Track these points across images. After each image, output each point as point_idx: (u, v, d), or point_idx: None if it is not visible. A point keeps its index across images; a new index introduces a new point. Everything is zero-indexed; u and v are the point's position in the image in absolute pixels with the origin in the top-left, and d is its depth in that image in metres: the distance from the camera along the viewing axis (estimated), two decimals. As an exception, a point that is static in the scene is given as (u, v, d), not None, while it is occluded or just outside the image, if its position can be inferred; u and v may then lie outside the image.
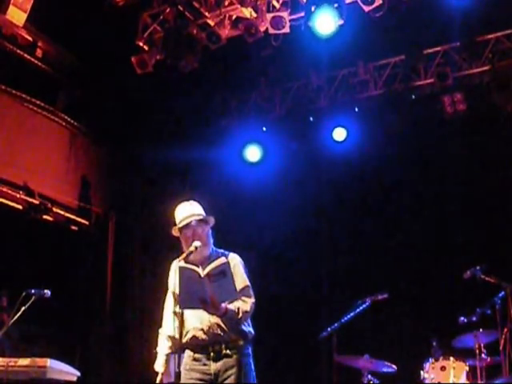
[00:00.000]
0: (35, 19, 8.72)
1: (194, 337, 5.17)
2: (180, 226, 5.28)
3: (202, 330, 5.14)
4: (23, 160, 9.87)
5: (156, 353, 5.39)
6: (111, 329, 10.86)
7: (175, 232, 5.33)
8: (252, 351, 5.26)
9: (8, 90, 9.64)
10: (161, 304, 5.44)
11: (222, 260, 4.97)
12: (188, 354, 5.23)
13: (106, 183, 11.50)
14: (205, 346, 5.15)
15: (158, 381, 5.24)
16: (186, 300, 4.94)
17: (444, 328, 8.32)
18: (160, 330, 5.38)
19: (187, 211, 5.32)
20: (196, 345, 5.18)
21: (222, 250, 5.42)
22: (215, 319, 5.10)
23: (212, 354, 5.12)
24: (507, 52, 9.67)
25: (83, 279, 10.79)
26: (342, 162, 10.67)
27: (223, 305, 4.96)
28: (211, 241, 5.36)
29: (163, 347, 5.32)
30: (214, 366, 5.10)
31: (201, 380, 5.11)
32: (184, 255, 5.03)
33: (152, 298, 10.91)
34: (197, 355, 5.17)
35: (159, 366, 5.28)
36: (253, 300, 5.21)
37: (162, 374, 5.24)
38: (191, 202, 5.42)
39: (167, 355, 5.25)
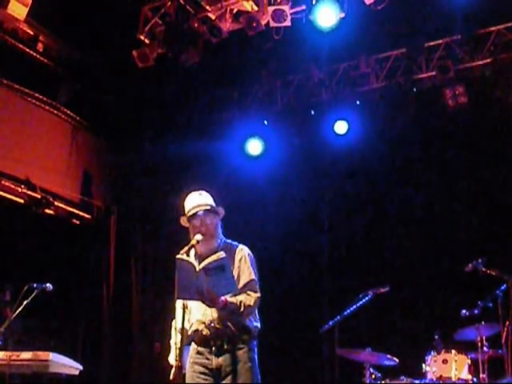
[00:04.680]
0: (36, 13, 8.73)
1: (196, 330, 5.16)
2: (188, 215, 5.24)
3: (204, 323, 5.12)
4: (25, 154, 9.89)
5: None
6: (113, 322, 10.88)
7: (184, 222, 5.29)
8: (257, 346, 5.19)
9: (9, 84, 9.65)
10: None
11: (220, 255, 4.89)
12: (193, 346, 5.21)
13: (108, 177, 11.54)
14: (207, 340, 5.12)
15: (172, 374, 5.05)
16: (182, 291, 4.90)
17: (446, 321, 8.31)
18: (173, 323, 5.28)
19: (196, 201, 5.28)
20: (199, 338, 5.16)
21: (230, 241, 5.37)
22: (217, 313, 5.06)
23: (214, 348, 5.09)
24: (509, 45, 9.64)
25: (85, 273, 10.81)
26: (344, 155, 10.64)
27: (222, 298, 4.92)
28: (220, 232, 5.31)
29: (176, 340, 5.14)
30: (215, 361, 5.07)
31: (203, 374, 5.08)
32: (186, 248, 4.97)
33: (154, 291, 10.94)
34: (200, 348, 5.15)
35: (173, 358, 5.12)
36: (258, 295, 5.15)
37: (177, 366, 5.02)
38: (201, 191, 5.38)
39: (180, 348, 5.05)
